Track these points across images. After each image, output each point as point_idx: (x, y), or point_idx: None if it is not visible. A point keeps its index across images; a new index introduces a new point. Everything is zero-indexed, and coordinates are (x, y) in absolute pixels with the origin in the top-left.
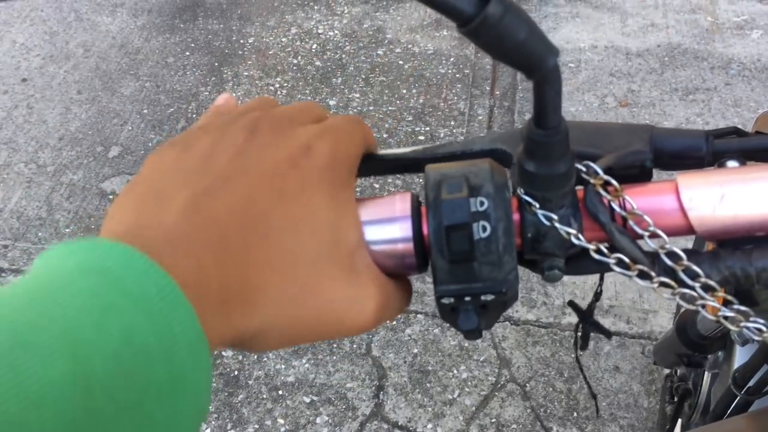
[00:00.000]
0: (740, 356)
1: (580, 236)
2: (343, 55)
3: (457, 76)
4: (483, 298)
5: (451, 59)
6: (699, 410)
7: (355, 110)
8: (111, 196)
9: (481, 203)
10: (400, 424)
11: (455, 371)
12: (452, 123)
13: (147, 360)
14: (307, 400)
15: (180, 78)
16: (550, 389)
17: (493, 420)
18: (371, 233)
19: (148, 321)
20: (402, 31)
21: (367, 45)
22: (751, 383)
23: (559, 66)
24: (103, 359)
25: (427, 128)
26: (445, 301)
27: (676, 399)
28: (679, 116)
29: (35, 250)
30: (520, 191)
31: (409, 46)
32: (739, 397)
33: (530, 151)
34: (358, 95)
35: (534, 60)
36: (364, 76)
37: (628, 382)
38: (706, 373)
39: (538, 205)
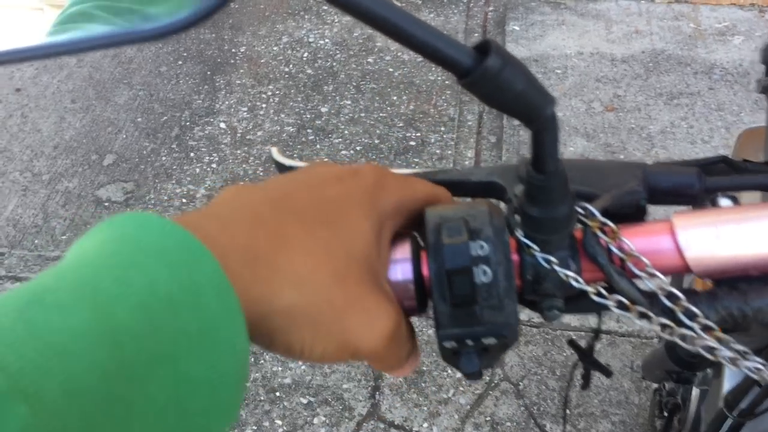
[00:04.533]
0: (729, 374)
1: (579, 279)
2: (334, 63)
3: (447, 82)
4: (484, 341)
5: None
6: (688, 426)
7: (346, 117)
8: (106, 204)
9: (481, 247)
10: (396, 423)
11: (449, 371)
12: (442, 129)
13: (173, 309)
14: (305, 401)
15: (173, 87)
16: (543, 387)
17: (487, 418)
18: None
19: (170, 272)
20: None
21: (358, 53)
22: (742, 405)
23: (556, 114)
24: (128, 310)
25: (418, 134)
26: (447, 344)
27: (665, 413)
28: (664, 120)
29: (32, 258)
30: (519, 234)
31: (399, 53)
32: (730, 419)
33: (531, 196)
34: (349, 102)
35: (532, 110)
36: (355, 84)
37: (619, 379)
38: (694, 388)
39: (538, 249)
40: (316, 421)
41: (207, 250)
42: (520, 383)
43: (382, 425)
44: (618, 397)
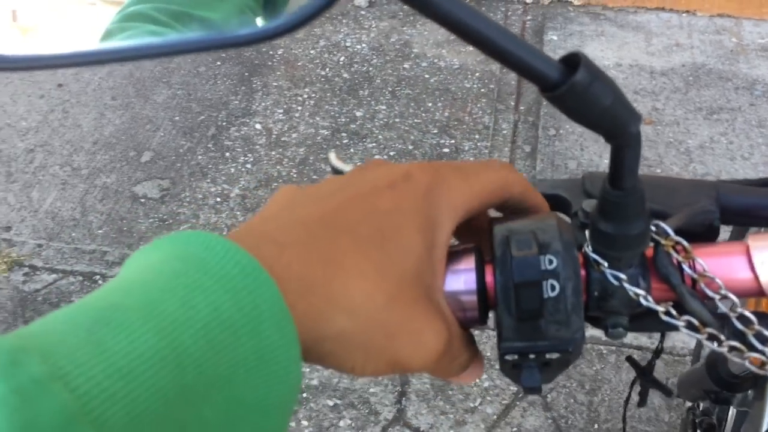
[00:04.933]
0: None
1: (648, 297)
2: (370, 68)
3: (482, 90)
4: (548, 356)
5: (477, 74)
6: None
7: (381, 122)
8: (142, 200)
9: (550, 261)
10: (421, 430)
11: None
12: (477, 137)
13: (234, 334)
14: (331, 403)
15: (211, 87)
16: (572, 400)
17: (514, 429)
18: None
19: (232, 297)
20: (428, 46)
21: (394, 59)
22: None
23: (641, 131)
24: (192, 334)
25: (452, 141)
26: (508, 357)
27: None
28: (703, 135)
29: (68, 250)
30: (588, 249)
31: (435, 60)
32: None
33: (605, 211)
34: (384, 107)
35: (617, 126)
36: (390, 89)
37: (650, 396)
38: (731, 408)
39: (606, 264)
40: (342, 423)
41: (269, 276)
42: (548, 395)
43: (407, 431)
44: (648, 414)
